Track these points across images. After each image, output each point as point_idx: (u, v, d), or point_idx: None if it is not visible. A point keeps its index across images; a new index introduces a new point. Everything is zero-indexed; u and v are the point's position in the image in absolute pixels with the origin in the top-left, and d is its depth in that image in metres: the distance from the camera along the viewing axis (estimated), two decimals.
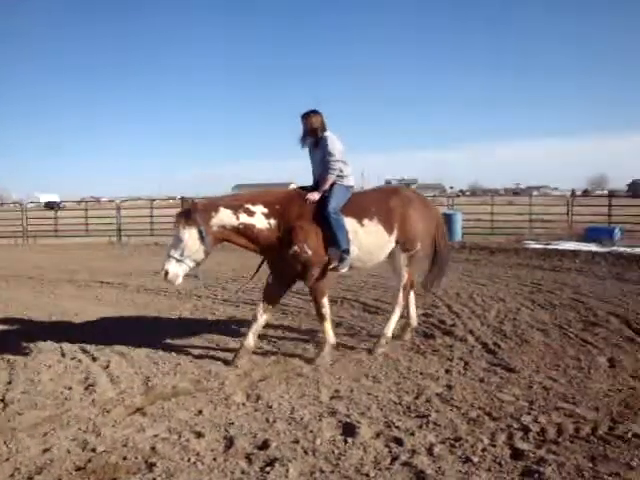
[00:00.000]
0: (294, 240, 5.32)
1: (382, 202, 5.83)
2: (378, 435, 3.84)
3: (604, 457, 3.45)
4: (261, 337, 6.35)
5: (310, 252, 5.36)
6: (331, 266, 5.57)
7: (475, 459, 3.47)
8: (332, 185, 5.60)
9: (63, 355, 5.85)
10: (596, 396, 4.47)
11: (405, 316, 6.29)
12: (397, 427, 3.95)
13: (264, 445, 3.73)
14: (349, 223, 5.51)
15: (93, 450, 3.70)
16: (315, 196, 5.50)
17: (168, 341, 6.26)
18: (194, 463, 3.51)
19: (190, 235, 5.10)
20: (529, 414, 4.12)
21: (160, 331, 6.75)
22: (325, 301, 5.60)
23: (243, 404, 4.46)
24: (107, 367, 5.40)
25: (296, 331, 6.75)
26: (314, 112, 5.71)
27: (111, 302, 8.91)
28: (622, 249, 13.96)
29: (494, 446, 3.64)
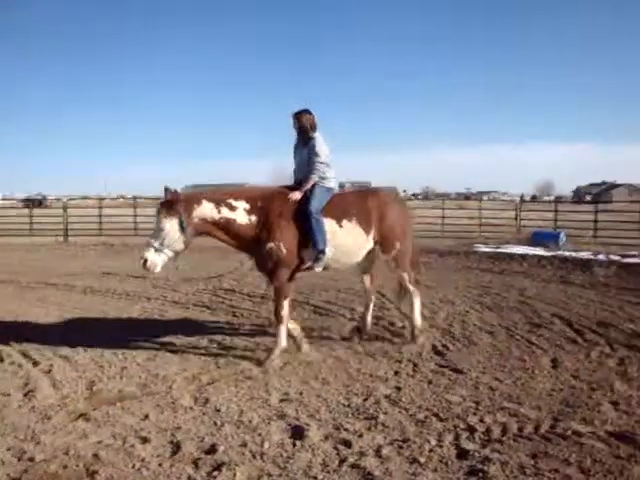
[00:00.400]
0: (271, 238, 5.39)
1: (360, 203, 5.90)
2: (327, 437, 3.84)
3: (545, 454, 3.55)
4: (210, 340, 6.30)
5: (284, 251, 5.42)
6: (306, 265, 5.63)
7: (422, 460, 3.51)
8: (314, 186, 5.64)
9: (1, 360, 5.63)
10: (539, 396, 4.60)
11: (358, 320, 6.32)
12: (346, 429, 3.96)
13: (211, 449, 3.68)
14: (328, 224, 5.59)
15: (31, 459, 3.56)
16: (297, 195, 5.55)
17: (115, 344, 6.09)
18: (139, 469, 3.44)
19: (171, 225, 5.16)
20: (475, 414, 4.20)
21: (107, 334, 6.57)
22: (286, 304, 5.59)
23: (191, 408, 4.39)
24: (49, 372, 5.23)
25: (246, 334, 6.68)
26: (306, 111, 5.75)
27: (56, 304, 8.62)
28: (567, 253, 14.41)
29: (441, 446, 3.69)
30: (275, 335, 5.69)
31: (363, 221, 5.81)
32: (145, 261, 5.16)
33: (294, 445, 3.74)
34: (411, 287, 6.23)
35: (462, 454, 3.60)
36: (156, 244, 5.17)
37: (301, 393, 4.67)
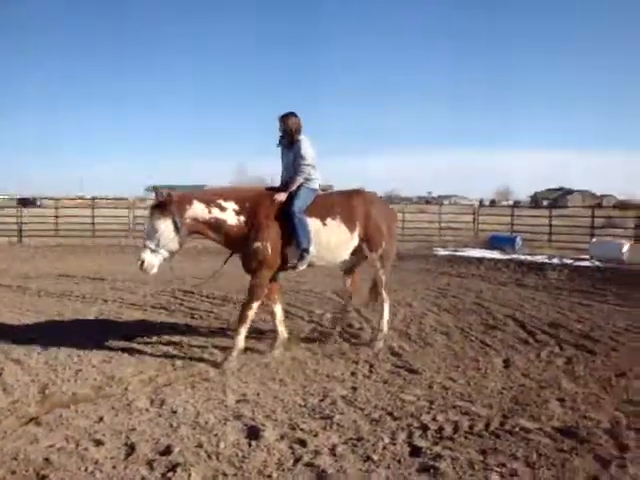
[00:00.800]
0: (259, 238, 5.51)
1: (345, 202, 6.04)
2: (282, 437, 3.88)
3: (494, 450, 3.66)
4: (167, 342, 6.26)
5: (269, 252, 5.55)
6: (290, 264, 5.75)
7: (375, 457, 3.58)
8: (299, 187, 5.78)
9: None
10: (490, 394, 4.73)
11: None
12: (301, 429, 4.00)
13: (167, 450, 3.67)
14: (312, 223, 5.70)
15: None
16: (282, 196, 5.69)
17: (70, 347, 5.99)
18: (92, 472, 3.40)
19: (166, 226, 5.28)
20: (429, 413, 4.30)
21: (61, 337, 6.44)
22: (255, 305, 5.65)
23: (146, 410, 4.36)
24: (0, 375, 5.11)
25: (205, 335, 6.65)
26: (292, 114, 5.88)
27: (8, 306, 8.41)
28: (523, 257, 14.82)
29: (394, 444, 3.77)
30: (235, 335, 5.69)
31: (347, 219, 5.92)
32: (142, 262, 5.26)
33: (250, 445, 3.76)
34: (385, 292, 6.34)
35: (415, 451, 3.68)
36: (152, 245, 5.27)
37: (258, 394, 4.70)
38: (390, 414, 4.28)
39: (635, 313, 8.21)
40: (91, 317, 7.69)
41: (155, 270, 5.34)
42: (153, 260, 5.29)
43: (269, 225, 5.56)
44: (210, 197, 5.61)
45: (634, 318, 7.82)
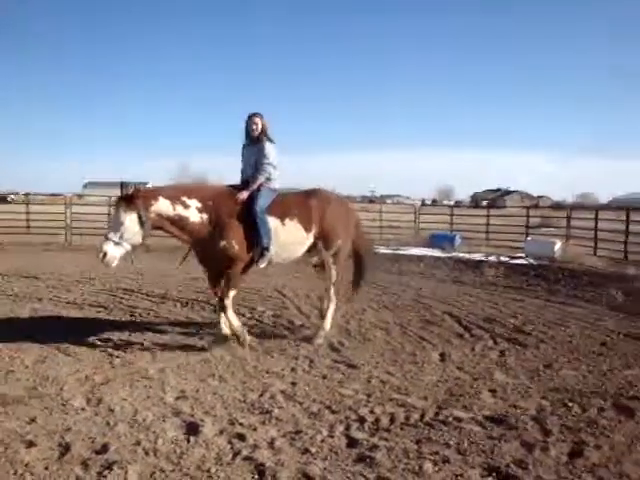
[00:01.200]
0: (224, 235, 5.64)
1: (302, 202, 6.21)
2: (221, 432, 3.89)
3: (428, 439, 3.80)
4: (106, 341, 6.15)
5: (237, 247, 5.69)
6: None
7: (313, 450, 3.65)
8: (260, 186, 5.93)
9: None
10: (426, 387, 4.88)
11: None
12: (240, 424, 4.03)
13: (103, 449, 3.62)
14: (272, 222, 5.87)
15: None
16: (244, 195, 5.82)
17: (1, 347, 5.79)
18: (21, 475, 3.32)
19: (130, 219, 5.32)
20: (366, 406, 4.40)
21: None
22: (232, 294, 5.85)
23: (82, 409, 4.28)
24: None
25: (144, 333, 6.54)
26: (259, 115, 6.09)
27: None
28: (461, 255, 15.23)
29: (332, 437, 3.85)
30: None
31: (304, 219, 6.10)
32: (105, 254, 5.26)
33: (188, 441, 3.75)
34: (332, 290, 6.50)
35: (352, 443, 3.77)
36: (115, 238, 5.30)
37: (197, 390, 4.68)
38: (329, 408, 4.35)
39: (564, 307, 8.63)
40: (25, 316, 7.43)
41: (116, 262, 5.37)
42: (115, 252, 5.31)
43: (232, 223, 5.69)
44: (175, 193, 5.68)
45: (563, 312, 8.22)
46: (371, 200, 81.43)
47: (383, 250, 15.68)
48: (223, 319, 6.07)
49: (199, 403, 4.40)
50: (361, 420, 4.12)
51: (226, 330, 6.10)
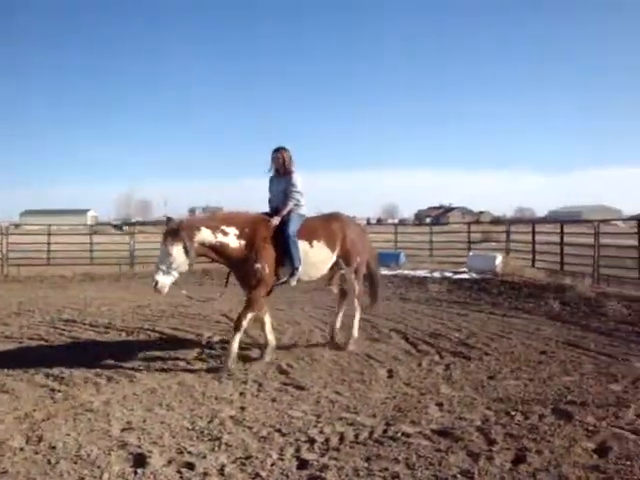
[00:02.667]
0: (259, 259, 6.15)
1: (326, 225, 6.88)
2: (170, 462, 3.81)
3: (377, 456, 3.84)
4: (46, 375, 5.92)
5: (267, 270, 6.22)
6: (282, 280, 6.43)
7: (264, 474, 3.62)
8: (289, 212, 6.50)
9: None
10: (375, 404, 4.93)
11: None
12: (189, 452, 3.96)
13: None
14: (301, 244, 6.44)
15: None
16: (276, 221, 6.39)
17: None
18: None
19: (177, 250, 5.76)
20: (316, 426, 4.41)
21: None
22: (250, 316, 6.26)
23: (21, 449, 4.07)
24: None
25: (88, 365, 6.34)
26: (284, 149, 6.69)
27: None
28: (406, 272, 15.52)
29: (282, 460, 3.83)
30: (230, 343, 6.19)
31: (329, 241, 6.75)
32: (157, 283, 5.72)
33: (135, 473, 3.65)
34: (356, 302, 7.21)
35: (302, 464, 3.76)
36: (164, 267, 5.74)
37: (144, 421, 4.58)
38: (278, 431, 4.34)
39: (506, 319, 8.91)
40: None
41: (166, 290, 5.82)
42: (166, 281, 5.75)
43: (266, 247, 6.22)
44: (215, 223, 6.14)
45: (505, 324, 8.49)
46: None
47: None
48: (268, 331, 6.61)
49: (146, 433, 4.31)
50: (311, 441, 4.13)
51: (274, 342, 6.67)
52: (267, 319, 6.72)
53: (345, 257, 6.94)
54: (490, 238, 24.51)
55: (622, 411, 4.63)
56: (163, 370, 6.06)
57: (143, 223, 57.48)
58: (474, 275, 14.53)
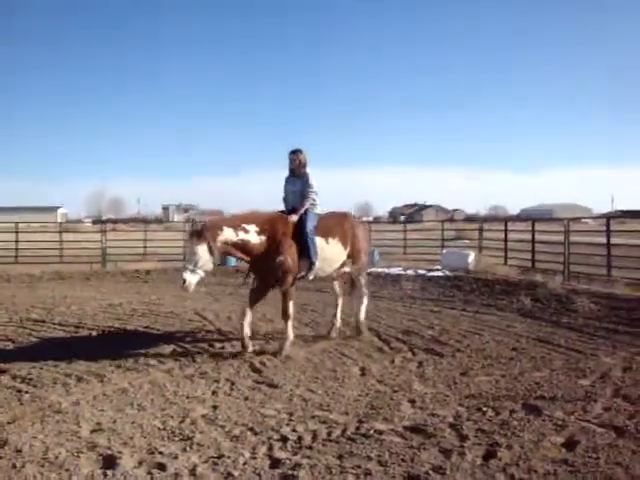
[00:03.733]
0: (281, 251, 6.53)
1: (339, 225, 7.34)
2: (140, 463, 3.76)
3: (350, 454, 3.84)
4: (13, 377, 5.78)
5: (290, 262, 6.60)
6: (300, 275, 6.82)
7: (236, 473, 3.60)
8: (306, 211, 6.89)
9: None
10: (347, 402, 4.94)
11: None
12: (160, 452, 3.91)
13: None
14: (318, 241, 6.88)
15: None
16: (294, 218, 6.80)
17: None
18: None
19: (202, 250, 6.13)
20: (288, 425, 4.40)
21: None
22: (292, 303, 6.84)
23: None
24: None
25: (56, 366, 6.21)
26: (300, 151, 7.09)
27: None
28: (380, 270, 15.57)
29: (255, 459, 3.81)
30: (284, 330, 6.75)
31: (342, 238, 7.25)
32: (184, 281, 6.06)
33: (105, 475, 3.59)
34: (364, 289, 7.71)
35: (275, 463, 3.74)
36: (190, 266, 6.11)
37: (115, 421, 4.51)
38: (251, 429, 4.32)
39: (478, 316, 9.00)
40: None
41: (193, 287, 6.17)
42: (192, 279, 6.10)
43: (287, 241, 6.61)
44: (236, 222, 6.54)
45: (477, 321, 8.58)
46: None
47: None
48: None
49: (116, 434, 4.24)
50: (283, 439, 4.11)
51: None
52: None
53: (354, 255, 7.42)
54: (463, 236, 24.74)
55: (590, 405, 4.72)
56: (134, 369, 5.98)
57: (115, 221, 56.57)
58: (447, 272, 14.66)
